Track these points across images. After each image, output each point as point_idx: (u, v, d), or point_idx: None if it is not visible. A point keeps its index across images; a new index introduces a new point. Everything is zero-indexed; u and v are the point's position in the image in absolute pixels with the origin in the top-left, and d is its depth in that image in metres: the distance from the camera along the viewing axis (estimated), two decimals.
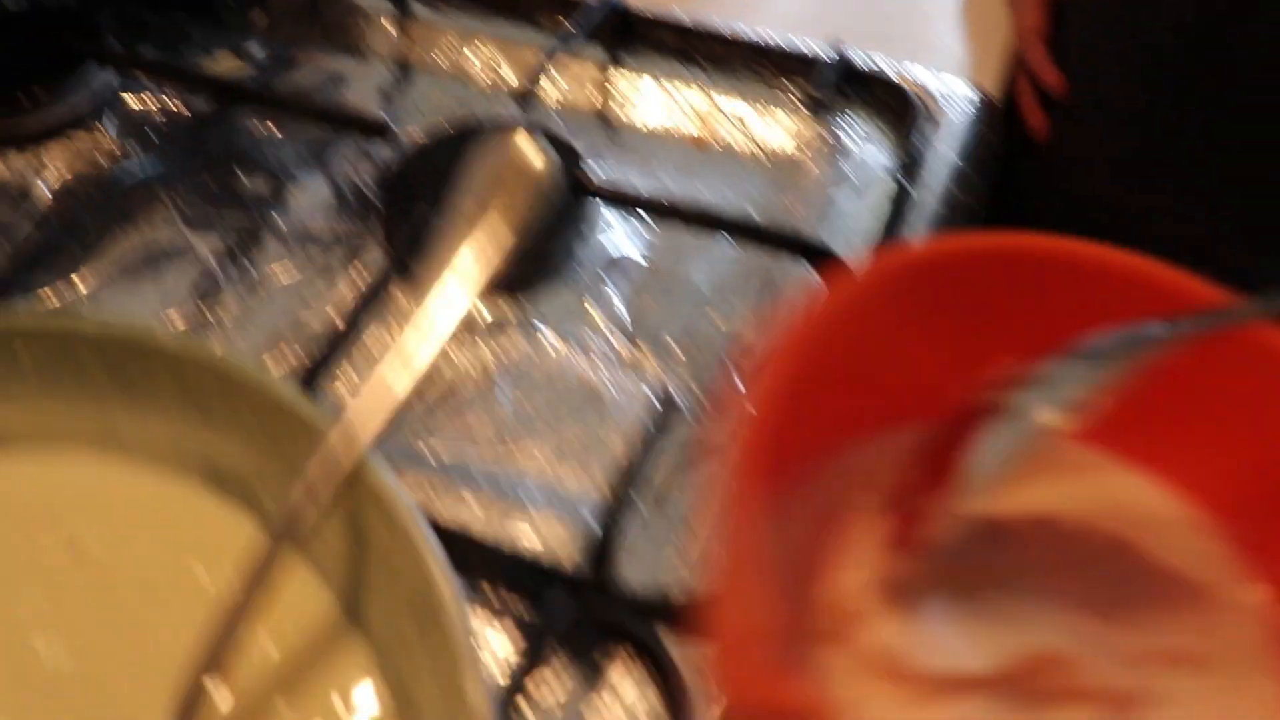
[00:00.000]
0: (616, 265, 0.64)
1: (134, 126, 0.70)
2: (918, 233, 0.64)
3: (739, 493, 0.35)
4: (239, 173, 0.68)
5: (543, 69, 0.70)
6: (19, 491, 0.46)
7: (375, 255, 0.63)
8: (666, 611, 0.48)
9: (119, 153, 0.69)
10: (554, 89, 0.73)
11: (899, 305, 0.42)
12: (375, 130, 0.65)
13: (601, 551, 0.49)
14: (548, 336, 0.60)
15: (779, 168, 0.69)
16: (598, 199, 0.64)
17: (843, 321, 0.41)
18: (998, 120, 0.72)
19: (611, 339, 0.60)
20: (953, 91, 0.72)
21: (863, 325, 0.41)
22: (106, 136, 0.70)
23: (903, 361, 0.43)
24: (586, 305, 0.62)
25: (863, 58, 0.71)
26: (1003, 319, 0.42)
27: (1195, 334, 0.38)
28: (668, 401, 0.57)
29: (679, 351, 0.60)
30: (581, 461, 0.55)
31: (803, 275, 0.62)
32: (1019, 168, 0.76)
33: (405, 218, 0.60)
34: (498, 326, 0.60)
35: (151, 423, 0.46)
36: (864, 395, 0.43)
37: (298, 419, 0.42)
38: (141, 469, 0.46)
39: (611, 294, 0.62)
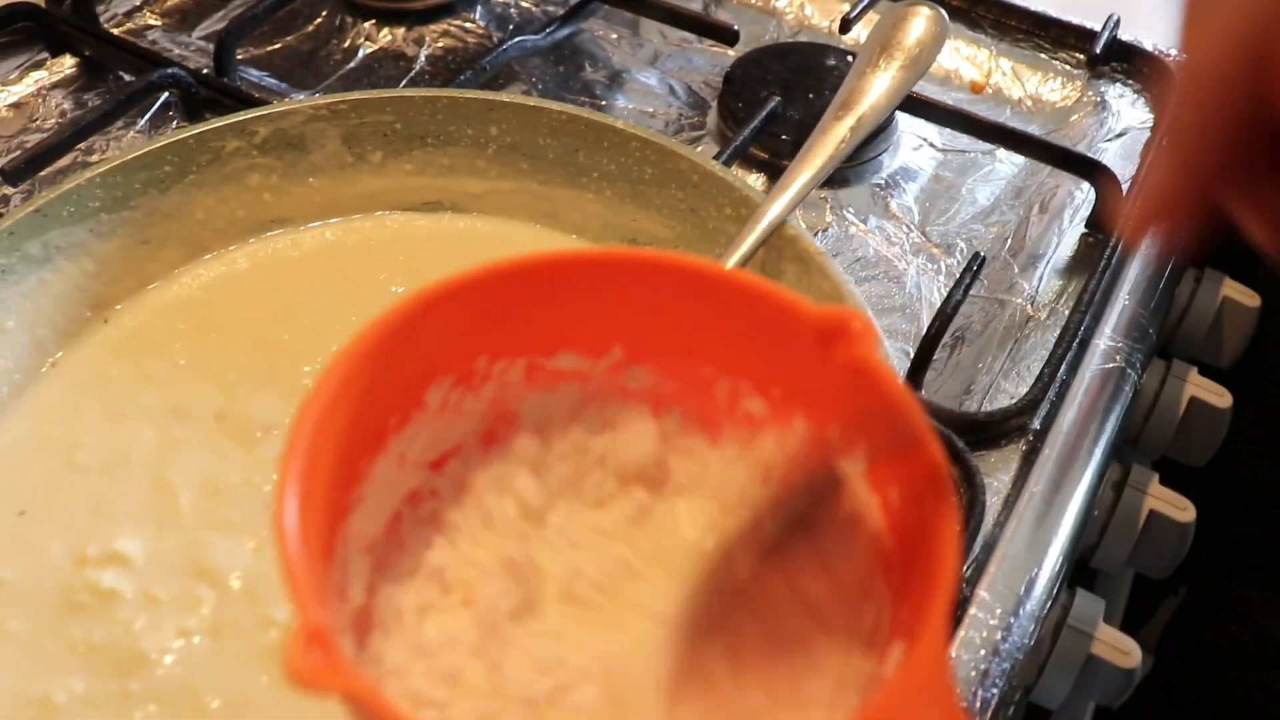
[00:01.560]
0: (909, 172, 0.74)
1: (499, 19, 0.83)
2: None
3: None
4: (586, 65, 0.80)
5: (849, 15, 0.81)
6: (470, 244, 0.58)
7: (709, 145, 0.74)
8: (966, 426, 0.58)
9: (486, 38, 0.81)
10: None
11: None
12: (725, 38, 0.76)
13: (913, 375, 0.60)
14: (851, 218, 0.71)
15: (1049, 116, 0.79)
16: (896, 112, 0.74)
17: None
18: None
19: (904, 228, 0.71)
20: None
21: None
22: (476, 24, 0.82)
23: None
24: (885, 200, 0.72)
25: (1132, 35, 0.82)
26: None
27: None
28: (953, 283, 0.67)
29: (963, 246, 0.70)
30: (881, 318, 0.66)
31: (1071, 192, 0.72)
32: None
33: (748, 110, 0.71)
34: (813, 205, 0.71)
35: (588, 202, 0.57)
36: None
37: (726, 189, 0.53)
38: (574, 240, 0.57)
39: (905, 194, 0.73)
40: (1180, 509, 0.69)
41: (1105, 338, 0.66)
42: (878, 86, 0.54)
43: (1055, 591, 0.57)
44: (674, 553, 0.38)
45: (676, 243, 0.55)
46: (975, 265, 0.63)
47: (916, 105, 0.73)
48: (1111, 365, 0.65)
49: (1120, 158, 0.75)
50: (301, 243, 0.59)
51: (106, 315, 0.56)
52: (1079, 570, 0.74)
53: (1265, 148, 0.33)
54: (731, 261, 0.50)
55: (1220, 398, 0.74)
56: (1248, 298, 0.79)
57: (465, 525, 0.38)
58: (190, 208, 0.57)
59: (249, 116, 0.57)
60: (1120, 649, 0.63)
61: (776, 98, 0.70)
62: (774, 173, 0.71)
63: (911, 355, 0.61)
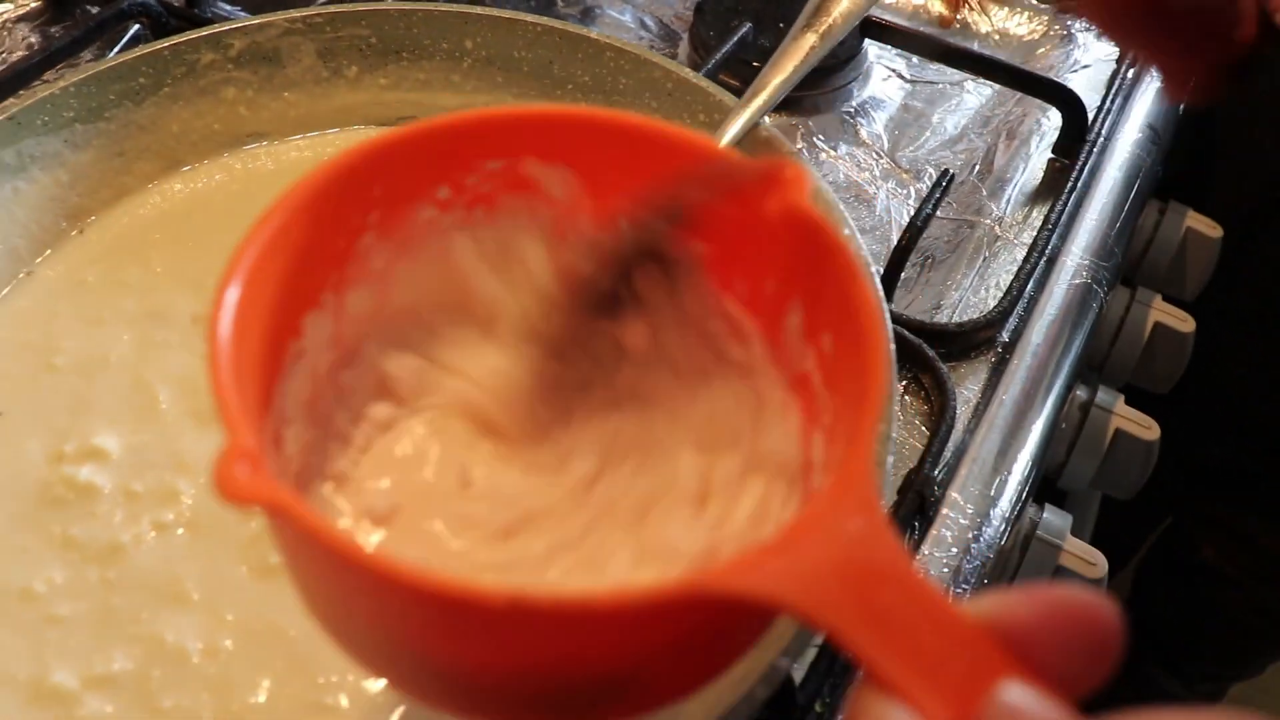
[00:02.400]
0: (878, 102, 0.75)
1: None
2: (1132, 106, 0.75)
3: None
4: (558, 1, 0.81)
5: None
6: None
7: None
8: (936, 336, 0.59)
9: None
10: None
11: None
12: None
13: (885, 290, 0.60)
14: (821, 144, 0.72)
15: (1015, 49, 0.80)
16: (865, 39, 0.75)
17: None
18: None
19: (874, 155, 0.72)
20: None
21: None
22: None
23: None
24: (855, 128, 0.73)
25: None
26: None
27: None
28: (921, 200, 0.68)
29: (931, 171, 0.71)
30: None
31: (1038, 120, 0.73)
32: None
33: (719, 39, 0.72)
34: (783, 131, 0.71)
35: None
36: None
37: (701, 96, 0.53)
38: None
39: (875, 123, 0.74)
40: (1145, 428, 0.71)
41: (1072, 256, 0.67)
42: None
43: (1024, 494, 0.58)
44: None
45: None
46: (944, 181, 0.64)
47: (891, 33, 0.74)
48: (1079, 282, 0.66)
49: (1087, 88, 0.76)
50: (277, 156, 0.59)
51: (82, 226, 0.56)
52: (1048, 491, 0.75)
53: None
54: None
55: (1184, 323, 0.75)
56: (1210, 228, 0.80)
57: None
58: (165, 120, 0.58)
59: (224, 29, 0.57)
60: (1087, 559, 0.64)
61: (747, 25, 0.70)
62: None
63: (882, 273, 0.62)
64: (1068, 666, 0.25)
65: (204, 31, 0.57)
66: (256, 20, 0.58)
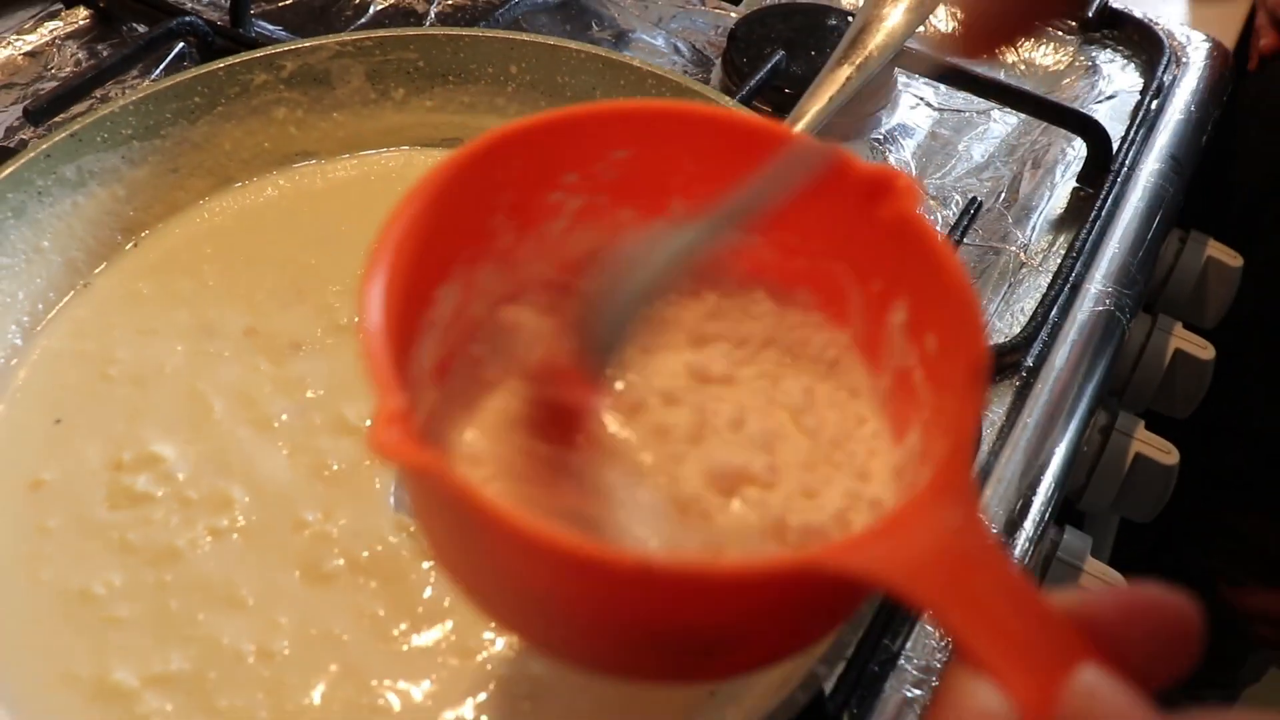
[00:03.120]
0: (907, 129, 0.77)
1: None
2: (1156, 137, 0.77)
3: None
4: (592, 24, 0.83)
5: None
6: None
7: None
8: None
9: None
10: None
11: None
12: None
13: None
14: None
15: (1041, 79, 0.82)
16: (895, 68, 0.77)
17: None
18: (1230, 63, 0.85)
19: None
20: (1195, 40, 0.84)
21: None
22: None
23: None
24: (883, 154, 0.75)
25: (1122, 3, 0.85)
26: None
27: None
28: (949, 227, 0.69)
29: (958, 198, 0.72)
30: None
31: (1063, 149, 0.75)
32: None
33: (752, 66, 0.73)
34: None
35: None
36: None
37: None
38: None
39: (903, 150, 0.75)
40: (1165, 453, 0.72)
41: (1096, 283, 0.68)
42: (885, 27, 0.56)
43: (1047, 516, 0.59)
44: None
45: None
46: (972, 209, 0.66)
47: (919, 63, 0.76)
48: (1102, 309, 0.67)
49: (1111, 118, 0.78)
50: (326, 175, 0.61)
51: (136, 239, 0.58)
52: (1068, 513, 0.76)
53: None
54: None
55: (1204, 350, 0.77)
56: (1231, 258, 0.82)
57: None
58: (218, 138, 0.59)
59: (277, 51, 0.59)
60: (1106, 581, 0.66)
61: (780, 53, 0.72)
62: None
63: None
64: (1146, 657, 0.27)
65: (258, 53, 0.59)
66: (309, 43, 0.60)
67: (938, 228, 0.70)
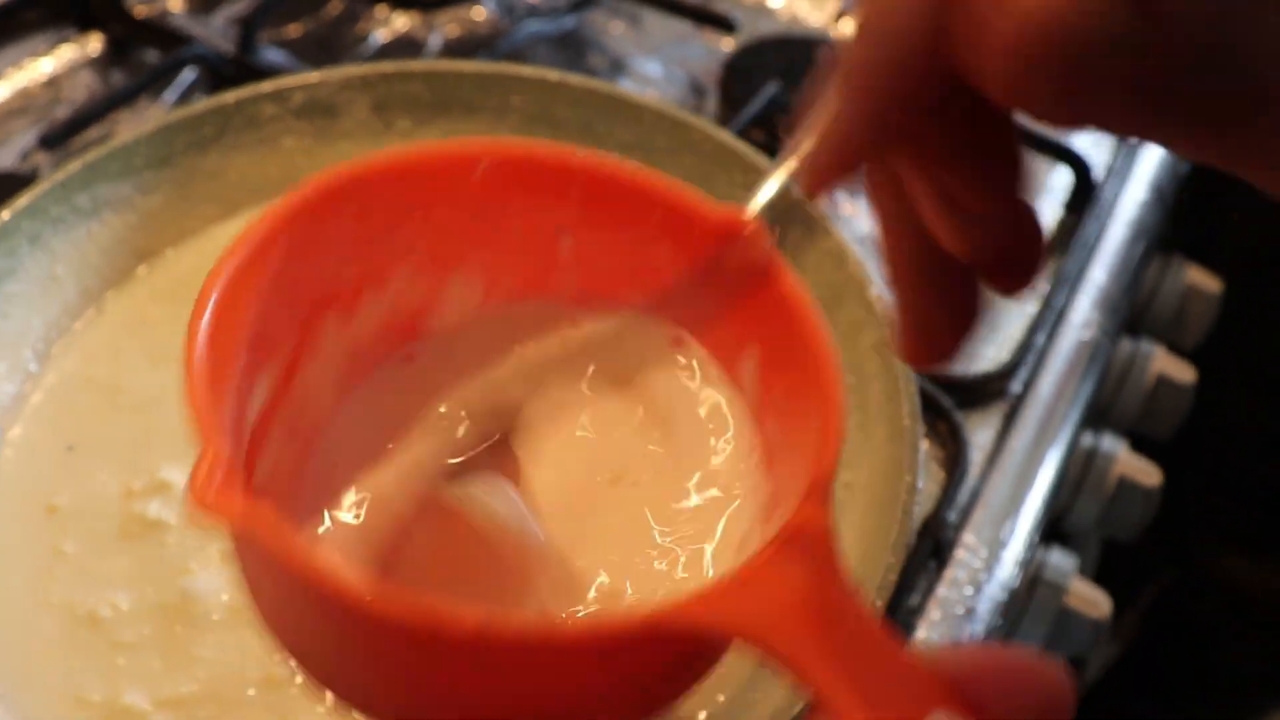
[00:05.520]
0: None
1: (507, 7, 0.87)
2: (1138, 165, 0.79)
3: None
4: (589, 54, 0.84)
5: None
6: None
7: None
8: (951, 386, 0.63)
9: (494, 25, 0.85)
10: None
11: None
12: (724, 26, 0.81)
13: None
14: (842, 197, 0.75)
15: None
16: None
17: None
18: None
19: None
20: None
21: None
22: (484, 11, 0.86)
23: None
24: None
25: None
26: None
27: None
28: None
29: None
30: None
31: (1048, 177, 0.77)
32: None
33: (746, 97, 0.75)
34: None
35: None
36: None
37: (737, 159, 0.57)
38: None
39: None
40: (1147, 474, 0.74)
41: (1080, 311, 0.70)
42: None
43: (1034, 538, 0.61)
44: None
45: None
46: None
47: None
48: (1087, 337, 0.69)
49: (1094, 146, 0.80)
50: None
51: (148, 265, 0.60)
52: (1053, 533, 0.78)
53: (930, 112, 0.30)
54: None
55: (1185, 373, 0.78)
56: (1211, 283, 0.84)
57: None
58: (227, 168, 0.61)
59: (286, 84, 0.61)
60: (1091, 600, 0.68)
61: (776, 85, 0.74)
62: (772, 155, 0.75)
63: None
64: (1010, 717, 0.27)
65: (266, 86, 0.61)
66: (316, 76, 0.61)
67: None
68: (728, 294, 0.38)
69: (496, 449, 0.41)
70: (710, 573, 0.37)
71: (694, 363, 0.40)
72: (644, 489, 0.40)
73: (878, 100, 0.30)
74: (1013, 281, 0.34)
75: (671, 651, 0.32)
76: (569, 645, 0.30)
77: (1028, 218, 0.33)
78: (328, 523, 0.38)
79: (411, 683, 0.32)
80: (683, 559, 0.38)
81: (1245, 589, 1.01)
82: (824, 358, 0.34)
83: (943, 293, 0.34)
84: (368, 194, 0.38)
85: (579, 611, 0.37)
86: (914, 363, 0.36)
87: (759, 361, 0.38)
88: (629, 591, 0.37)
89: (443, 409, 0.41)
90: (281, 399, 0.38)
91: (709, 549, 0.38)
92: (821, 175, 0.32)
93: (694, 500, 0.39)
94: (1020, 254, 0.33)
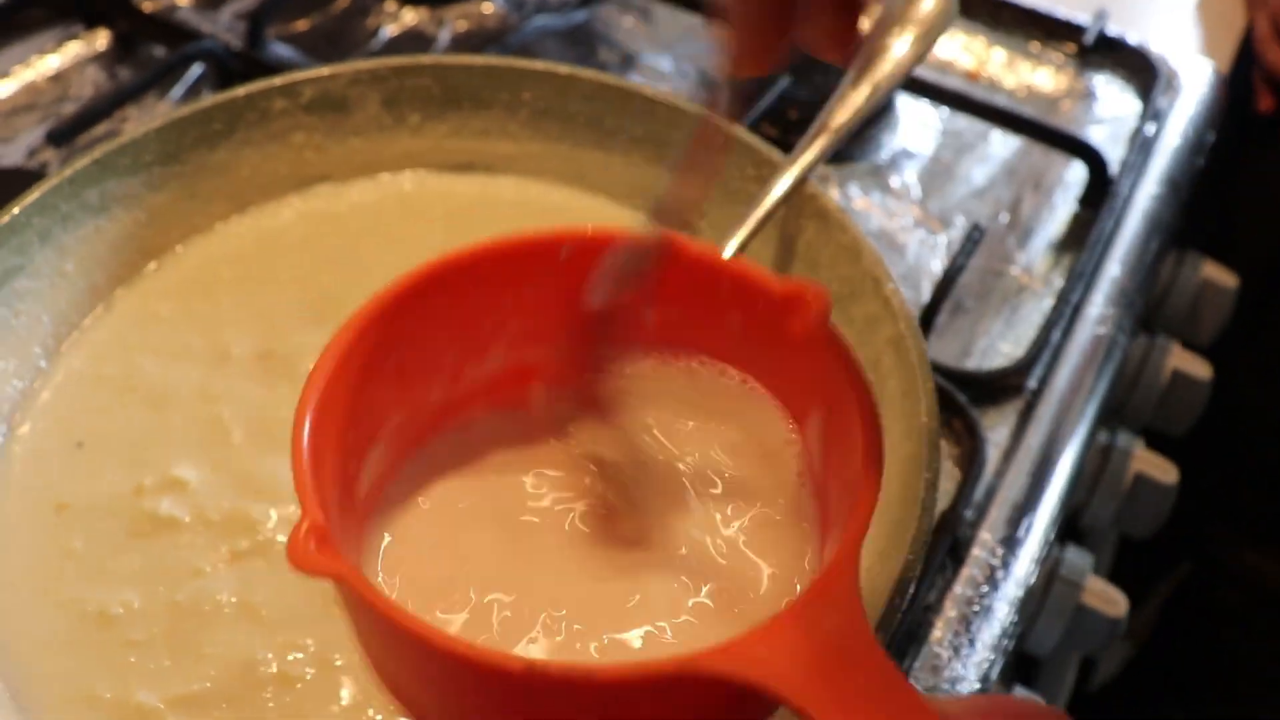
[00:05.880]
0: (909, 153, 0.78)
1: (516, 3, 0.86)
2: (1153, 161, 0.78)
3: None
4: (600, 49, 0.84)
5: None
6: (502, 203, 0.61)
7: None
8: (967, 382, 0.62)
9: (503, 20, 0.85)
10: None
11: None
12: None
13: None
14: (854, 193, 0.75)
15: (1039, 103, 0.83)
16: (895, 95, 0.78)
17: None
18: (1225, 93, 0.86)
19: (905, 204, 0.74)
20: (1190, 65, 0.86)
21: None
22: (493, 6, 0.86)
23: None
24: (885, 177, 0.76)
25: (1119, 30, 0.86)
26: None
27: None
28: (954, 253, 0.71)
29: (961, 220, 0.74)
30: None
31: (1062, 173, 0.76)
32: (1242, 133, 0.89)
33: (758, 90, 0.75)
34: (818, 181, 0.74)
35: (615, 165, 0.61)
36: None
37: (750, 152, 0.56)
38: (601, 200, 0.61)
39: (906, 174, 0.77)
40: (1164, 471, 0.73)
41: (1096, 306, 0.69)
42: (892, 56, 0.57)
43: (1051, 535, 0.60)
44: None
45: (700, 201, 0.59)
46: (976, 234, 0.67)
47: (922, 87, 0.77)
48: (1102, 331, 0.68)
49: (1110, 140, 0.79)
50: (342, 198, 0.62)
51: (157, 262, 0.59)
52: (1069, 530, 0.77)
53: None
54: (755, 217, 0.54)
55: (1201, 369, 0.78)
56: (1226, 278, 0.83)
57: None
58: (237, 164, 0.60)
59: (296, 78, 0.60)
60: (1107, 598, 0.67)
61: (786, 78, 0.73)
62: (784, 148, 0.75)
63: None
64: None
65: (277, 81, 0.60)
66: (327, 71, 0.61)
67: (940, 250, 0.72)
68: (793, 358, 0.41)
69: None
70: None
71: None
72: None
73: None
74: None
75: (702, 697, 0.34)
76: (602, 685, 0.32)
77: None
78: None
79: (480, 710, 0.36)
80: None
81: (1262, 583, 1.00)
82: (872, 431, 0.37)
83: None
84: (462, 281, 0.42)
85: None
86: (739, 69, 0.41)
87: (822, 428, 0.41)
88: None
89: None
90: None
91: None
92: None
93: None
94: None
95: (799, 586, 0.40)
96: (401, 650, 0.36)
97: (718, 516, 0.42)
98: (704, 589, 0.40)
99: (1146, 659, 1.04)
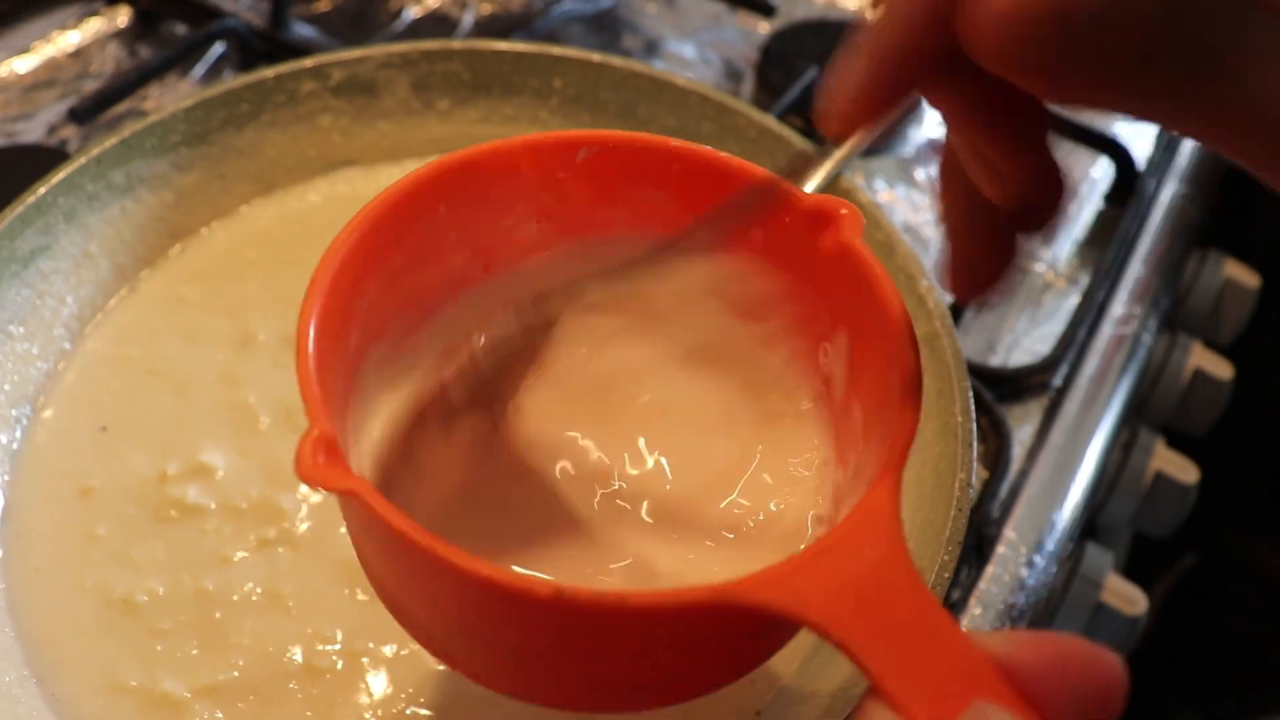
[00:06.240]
0: (933, 146, 0.77)
1: None
2: (1178, 158, 0.78)
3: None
4: (624, 35, 0.83)
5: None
6: None
7: None
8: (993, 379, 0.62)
9: (527, 4, 0.84)
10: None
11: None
12: (762, 10, 0.80)
13: None
14: (880, 186, 0.74)
15: None
16: None
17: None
18: None
19: (930, 197, 0.74)
20: None
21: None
22: None
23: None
24: (911, 171, 0.76)
25: None
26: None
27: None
28: None
29: None
30: None
31: (1088, 169, 0.76)
32: None
33: (784, 82, 0.74)
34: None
35: None
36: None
37: (782, 144, 0.56)
38: None
39: (931, 167, 0.76)
40: (1184, 470, 0.73)
41: (1121, 304, 0.69)
42: None
43: (1074, 534, 0.60)
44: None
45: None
46: None
47: None
48: (1126, 330, 0.68)
49: (1136, 137, 0.78)
50: (369, 182, 0.61)
51: (183, 244, 0.59)
52: (1088, 529, 0.77)
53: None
54: None
55: (1223, 369, 0.77)
56: (1249, 277, 0.83)
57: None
58: (264, 146, 0.60)
59: (325, 60, 0.60)
60: (1127, 598, 0.67)
61: (815, 70, 0.73)
62: (811, 139, 0.75)
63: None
64: (1064, 708, 0.27)
65: (307, 62, 0.59)
66: (356, 53, 0.60)
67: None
68: (822, 279, 0.39)
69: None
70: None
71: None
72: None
73: (891, 63, 0.33)
74: (1033, 225, 0.37)
75: (734, 626, 0.33)
76: (634, 613, 0.31)
77: (1052, 172, 0.36)
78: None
79: (499, 638, 0.34)
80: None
81: (1272, 575, 1.01)
82: (905, 351, 0.35)
83: (985, 233, 0.37)
84: (476, 180, 0.40)
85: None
86: (958, 293, 0.39)
87: (848, 348, 0.39)
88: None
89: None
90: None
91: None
92: (841, 120, 0.35)
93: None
94: (1042, 202, 0.36)
95: (811, 513, 0.39)
96: (415, 572, 0.34)
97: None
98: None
99: (1149, 650, 1.04)
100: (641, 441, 0.42)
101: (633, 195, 0.41)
